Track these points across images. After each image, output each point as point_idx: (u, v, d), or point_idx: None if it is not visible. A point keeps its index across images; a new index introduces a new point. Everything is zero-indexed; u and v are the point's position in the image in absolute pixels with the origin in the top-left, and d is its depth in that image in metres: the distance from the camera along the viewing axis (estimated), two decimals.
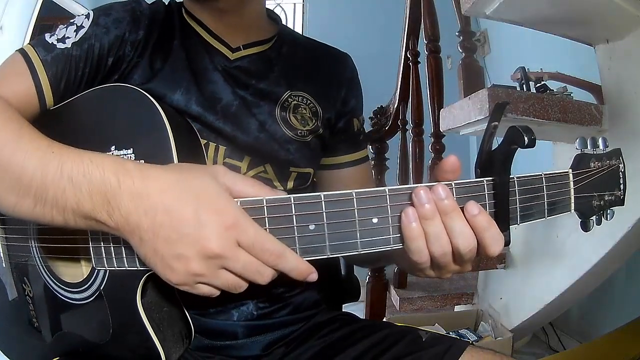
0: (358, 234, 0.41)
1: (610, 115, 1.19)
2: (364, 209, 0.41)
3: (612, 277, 1.43)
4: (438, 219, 0.41)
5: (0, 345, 0.65)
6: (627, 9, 1.06)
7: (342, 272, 0.90)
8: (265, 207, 0.41)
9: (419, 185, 0.41)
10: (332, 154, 0.74)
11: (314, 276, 0.42)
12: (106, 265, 0.48)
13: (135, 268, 0.46)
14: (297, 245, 0.41)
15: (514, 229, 0.44)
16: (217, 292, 0.42)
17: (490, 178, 0.43)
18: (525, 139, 0.40)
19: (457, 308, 1.80)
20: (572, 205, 0.47)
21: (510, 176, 0.43)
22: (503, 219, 0.43)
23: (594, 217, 0.49)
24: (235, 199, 0.42)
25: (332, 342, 0.65)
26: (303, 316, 0.70)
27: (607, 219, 0.50)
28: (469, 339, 1.51)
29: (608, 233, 1.17)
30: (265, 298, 0.65)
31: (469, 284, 1.77)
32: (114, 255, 0.47)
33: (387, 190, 0.41)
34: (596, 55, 1.26)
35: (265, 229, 0.41)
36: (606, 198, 0.49)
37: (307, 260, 0.42)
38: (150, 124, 0.49)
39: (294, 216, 0.41)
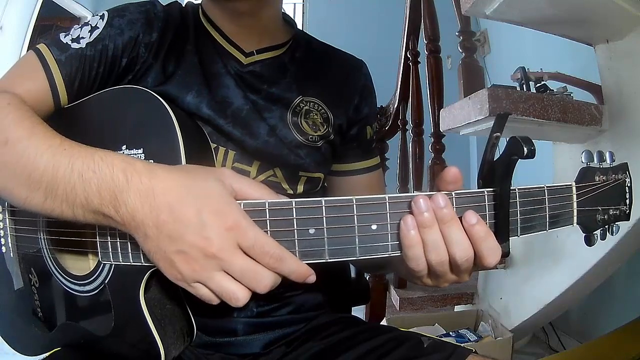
0: (357, 240, 0.42)
1: (610, 115, 1.19)
2: (364, 215, 0.41)
3: (612, 277, 1.43)
4: (436, 228, 0.41)
5: (3, 335, 0.66)
6: (627, 9, 1.06)
7: (353, 275, 0.90)
8: (267, 210, 0.42)
9: (419, 193, 0.41)
10: (344, 160, 0.73)
11: (312, 278, 0.42)
12: (112, 260, 0.49)
13: (140, 264, 0.47)
14: (297, 248, 0.42)
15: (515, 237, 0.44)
16: (216, 300, 0.43)
17: (491, 189, 0.43)
18: (525, 149, 0.40)
19: (457, 308, 1.80)
20: (575, 218, 0.46)
21: (512, 187, 0.42)
22: (503, 230, 0.42)
23: (597, 232, 0.48)
24: (239, 201, 0.42)
25: (333, 344, 0.65)
26: (304, 317, 0.70)
27: (612, 234, 0.49)
28: (469, 339, 1.51)
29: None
30: (265, 296, 0.65)
31: (469, 284, 1.77)
32: (119, 250, 0.48)
33: (387, 197, 0.42)
34: (596, 55, 1.26)
35: (266, 232, 0.42)
36: (610, 212, 0.48)
37: (308, 263, 0.42)
38: (161, 125, 0.50)
39: (295, 220, 0.41)
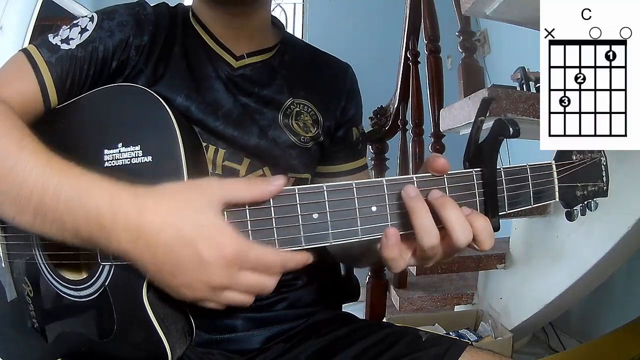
0: (359, 222, 0.44)
1: None
2: (364, 198, 0.44)
3: (612, 277, 1.43)
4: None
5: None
6: None
7: (342, 272, 0.90)
8: (270, 198, 0.43)
9: (417, 175, 0.44)
10: (331, 162, 0.74)
11: (310, 259, 0.44)
12: (112, 260, 0.48)
13: None
14: (302, 233, 0.43)
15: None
16: (222, 308, 0.45)
17: (479, 169, 0.46)
18: (511, 129, 0.42)
19: (457, 308, 1.80)
20: (557, 194, 0.50)
21: (497, 167, 0.45)
22: (492, 206, 0.46)
23: (578, 207, 0.52)
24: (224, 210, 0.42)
25: (332, 341, 0.65)
26: (302, 312, 0.70)
27: (590, 210, 0.53)
28: (469, 339, 1.51)
29: (608, 233, 1.17)
30: None
31: (469, 284, 1.77)
32: None
33: (384, 180, 0.44)
34: None
35: (272, 219, 0.43)
36: (589, 189, 0.52)
37: (310, 249, 0.44)
38: (158, 122, 0.49)
39: (298, 205, 0.43)
